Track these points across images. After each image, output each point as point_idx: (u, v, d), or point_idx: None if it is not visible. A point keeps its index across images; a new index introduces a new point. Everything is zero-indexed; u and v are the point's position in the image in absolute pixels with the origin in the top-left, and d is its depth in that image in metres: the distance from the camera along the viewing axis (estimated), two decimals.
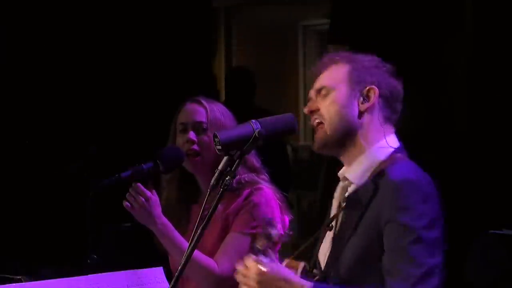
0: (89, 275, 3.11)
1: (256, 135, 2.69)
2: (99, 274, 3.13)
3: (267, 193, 3.39)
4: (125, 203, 3.22)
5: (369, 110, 2.71)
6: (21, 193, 6.26)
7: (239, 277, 2.61)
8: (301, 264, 2.70)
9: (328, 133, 2.72)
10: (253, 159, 3.43)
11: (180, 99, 3.55)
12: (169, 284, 2.72)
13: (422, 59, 5.41)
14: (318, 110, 2.74)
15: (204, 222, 2.65)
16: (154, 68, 6.62)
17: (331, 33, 5.81)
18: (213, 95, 6.99)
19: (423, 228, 2.54)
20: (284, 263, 2.72)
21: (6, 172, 6.27)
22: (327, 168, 5.65)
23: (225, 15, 9.29)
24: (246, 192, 3.38)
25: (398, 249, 2.54)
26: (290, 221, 3.41)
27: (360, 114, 2.70)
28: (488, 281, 4.71)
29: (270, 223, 2.56)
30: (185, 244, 3.23)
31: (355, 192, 2.68)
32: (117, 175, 3.17)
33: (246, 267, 2.58)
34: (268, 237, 2.55)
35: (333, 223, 2.73)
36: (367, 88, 2.70)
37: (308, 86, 8.54)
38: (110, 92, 6.51)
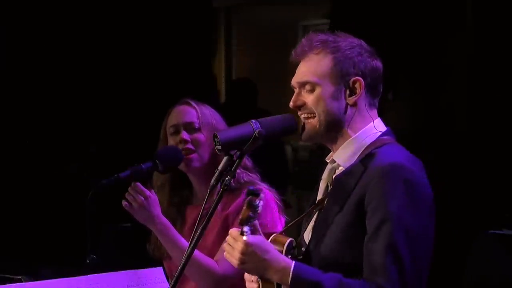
0: (89, 275, 3.11)
1: (256, 135, 2.69)
2: (99, 274, 3.13)
3: (266, 194, 3.40)
4: (124, 203, 3.22)
5: (355, 101, 2.70)
6: (21, 193, 6.26)
7: (225, 246, 2.60)
8: (288, 240, 2.70)
9: (317, 127, 2.72)
10: (246, 159, 3.43)
11: (180, 99, 3.54)
12: (169, 284, 2.72)
13: (422, 59, 5.41)
14: (304, 104, 2.73)
15: (204, 222, 2.65)
16: (154, 68, 6.62)
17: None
18: (213, 95, 7.01)
19: (405, 214, 2.53)
20: (272, 237, 2.72)
21: (6, 172, 6.27)
22: None
23: (225, 15, 9.28)
24: (245, 192, 3.38)
25: (378, 236, 2.53)
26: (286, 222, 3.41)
27: (347, 107, 2.70)
28: (488, 281, 4.71)
29: (254, 193, 2.55)
30: (185, 243, 3.23)
31: (343, 173, 2.68)
32: (116, 175, 3.16)
33: (233, 238, 2.57)
34: (253, 207, 2.54)
35: (319, 202, 2.73)
36: (352, 80, 2.69)
37: None
38: (110, 92, 6.51)
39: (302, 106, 2.74)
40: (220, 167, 2.70)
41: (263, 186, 3.42)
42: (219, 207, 3.18)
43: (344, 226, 2.59)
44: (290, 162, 7.93)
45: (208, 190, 2.70)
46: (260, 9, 9.36)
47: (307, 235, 2.75)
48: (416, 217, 2.55)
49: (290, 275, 2.52)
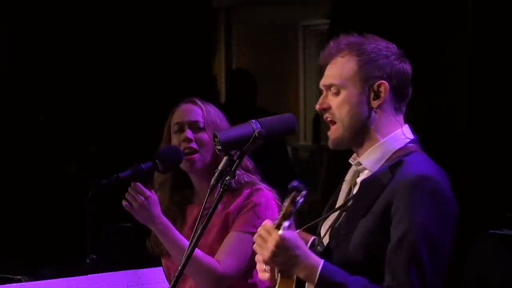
0: (89, 275, 3.11)
1: (256, 135, 2.69)
2: (99, 274, 3.13)
3: (267, 194, 3.40)
4: (124, 203, 3.22)
5: (380, 105, 2.69)
6: (21, 193, 6.26)
7: (256, 239, 2.59)
8: (312, 238, 2.69)
9: (341, 133, 2.71)
10: (247, 160, 3.42)
11: (180, 99, 3.54)
12: (169, 283, 2.72)
13: (422, 59, 5.40)
14: (330, 108, 2.73)
15: (204, 222, 2.65)
16: (154, 68, 6.62)
17: (331, 33, 5.81)
18: (213, 95, 7.01)
19: (431, 230, 2.54)
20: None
21: (6, 172, 6.27)
22: (327, 168, 5.65)
23: (225, 15, 9.30)
24: (246, 192, 3.39)
25: (402, 246, 2.53)
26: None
27: (372, 110, 2.69)
28: (488, 281, 4.71)
29: (298, 189, 2.54)
30: (185, 242, 3.23)
31: (370, 177, 2.67)
32: (116, 175, 3.16)
33: (267, 230, 2.57)
34: (294, 202, 2.53)
35: (344, 203, 2.73)
36: (377, 83, 2.68)
37: (308, 86, 8.56)
38: (110, 92, 6.51)
39: (327, 109, 2.73)
40: (220, 167, 2.70)
41: (263, 186, 3.42)
42: (219, 206, 3.18)
43: (365, 232, 2.59)
44: (290, 162, 7.93)
45: (208, 190, 2.71)
46: (260, 9, 9.37)
47: (324, 234, 2.75)
48: (441, 230, 2.56)
49: (318, 274, 2.53)
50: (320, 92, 2.78)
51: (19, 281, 3.37)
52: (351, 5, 5.58)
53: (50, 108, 6.45)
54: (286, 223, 2.53)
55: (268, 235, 2.55)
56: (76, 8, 6.44)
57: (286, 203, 2.55)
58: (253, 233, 3.30)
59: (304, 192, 2.55)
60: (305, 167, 8.17)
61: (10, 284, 3.10)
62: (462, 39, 5.32)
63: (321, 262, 2.55)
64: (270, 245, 2.54)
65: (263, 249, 2.57)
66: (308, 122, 8.54)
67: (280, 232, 2.52)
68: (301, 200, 2.54)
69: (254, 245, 2.60)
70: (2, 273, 3.51)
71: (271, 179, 3.50)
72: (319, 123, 8.30)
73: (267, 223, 2.58)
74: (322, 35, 8.57)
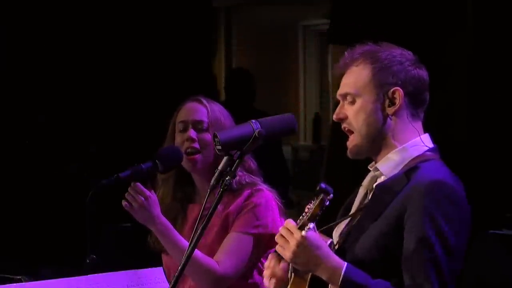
0: (89, 275, 3.11)
1: (256, 135, 2.69)
2: (99, 274, 3.13)
3: (267, 195, 3.39)
4: (124, 203, 3.22)
5: (396, 112, 2.70)
6: (21, 193, 6.27)
7: (278, 238, 2.59)
8: (329, 240, 2.70)
9: (359, 142, 2.72)
10: (250, 161, 3.42)
11: (180, 99, 3.54)
12: (169, 283, 2.72)
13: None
14: (346, 118, 2.73)
15: (204, 222, 2.65)
16: (154, 68, 6.63)
17: (331, 33, 5.81)
18: (213, 95, 7.01)
19: (446, 233, 2.56)
20: None
21: (6, 172, 6.27)
22: (327, 168, 5.65)
23: (225, 15, 9.31)
24: (246, 192, 3.38)
25: (419, 250, 2.54)
26: None
27: (388, 117, 2.70)
28: (488, 281, 4.71)
29: (326, 191, 2.53)
30: (185, 243, 3.23)
31: (386, 182, 2.68)
32: (116, 175, 3.16)
33: (289, 230, 2.57)
34: (322, 205, 2.53)
35: (359, 208, 2.74)
36: (392, 90, 2.68)
37: (308, 86, 8.57)
38: (110, 92, 6.51)
39: (344, 119, 2.74)
40: (220, 167, 2.70)
41: (264, 187, 3.41)
42: (219, 207, 3.18)
43: (378, 235, 2.61)
44: (290, 162, 7.93)
45: (209, 190, 2.71)
46: (260, 9, 9.38)
47: (336, 237, 2.76)
48: (456, 232, 2.59)
49: (342, 276, 2.54)
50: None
51: (19, 281, 3.37)
52: (351, 5, 5.58)
53: (50, 108, 6.45)
54: (311, 225, 2.53)
55: (290, 235, 2.55)
56: (76, 8, 6.44)
57: (312, 205, 2.54)
58: (252, 234, 3.32)
59: (331, 196, 2.54)
60: (305, 167, 8.17)
61: (10, 284, 3.10)
62: (462, 39, 5.32)
63: (344, 264, 2.56)
64: (292, 244, 2.54)
65: (285, 249, 2.57)
66: (308, 122, 8.55)
67: (303, 233, 2.52)
68: (328, 203, 2.54)
69: (277, 246, 2.60)
70: (2, 273, 3.51)
71: (267, 180, 3.50)
72: (319, 123, 8.31)
73: (290, 223, 2.58)
74: (322, 35, 8.58)
